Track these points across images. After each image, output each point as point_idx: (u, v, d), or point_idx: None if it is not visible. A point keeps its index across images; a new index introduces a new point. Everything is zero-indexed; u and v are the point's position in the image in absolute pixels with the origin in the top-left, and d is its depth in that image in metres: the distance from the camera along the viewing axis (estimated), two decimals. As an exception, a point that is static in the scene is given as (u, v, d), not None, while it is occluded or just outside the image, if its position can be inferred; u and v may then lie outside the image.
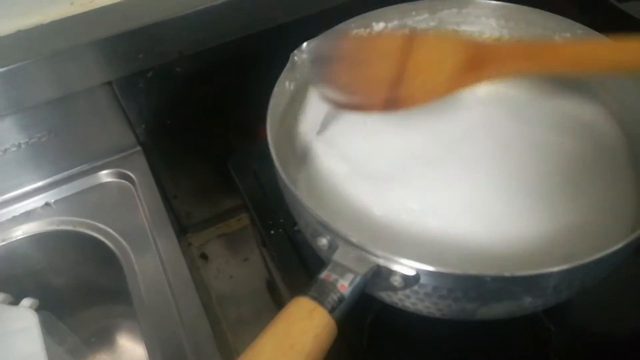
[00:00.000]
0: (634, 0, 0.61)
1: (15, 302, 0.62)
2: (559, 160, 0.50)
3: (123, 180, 0.69)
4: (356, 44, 0.51)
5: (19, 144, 0.63)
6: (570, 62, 0.45)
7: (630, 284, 0.52)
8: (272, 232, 0.61)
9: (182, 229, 0.85)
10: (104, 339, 0.76)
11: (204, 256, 0.85)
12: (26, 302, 0.63)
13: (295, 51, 0.53)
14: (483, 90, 0.56)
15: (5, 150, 0.63)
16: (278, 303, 0.73)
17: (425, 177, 0.50)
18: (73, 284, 0.72)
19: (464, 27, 0.59)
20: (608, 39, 0.48)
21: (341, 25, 0.55)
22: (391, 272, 0.39)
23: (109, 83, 0.62)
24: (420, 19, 0.58)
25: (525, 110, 0.55)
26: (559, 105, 0.55)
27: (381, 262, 0.39)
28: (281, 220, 0.61)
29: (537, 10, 0.56)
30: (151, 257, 0.62)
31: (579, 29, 0.53)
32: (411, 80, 0.47)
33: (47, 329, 0.61)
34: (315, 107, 0.56)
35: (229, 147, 0.73)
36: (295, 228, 0.59)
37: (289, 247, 0.60)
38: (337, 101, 0.50)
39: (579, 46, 0.46)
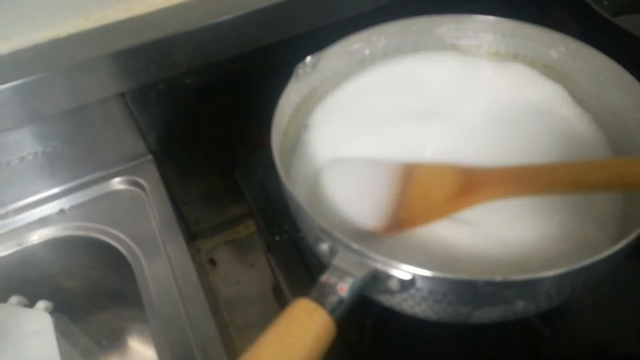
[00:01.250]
0: (627, 14, 0.62)
1: (30, 304, 0.64)
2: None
3: (134, 188, 0.71)
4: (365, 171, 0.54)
5: (36, 153, 0.65)
6: (560, 185, 0.47)
7: (623, 289, 0.53)
8: (277, 238, 0.62)
9: (191, 236, 0.86)
10: (115, 341, 0.77)
11: (212, 262, 0.87)
12: (41, 304, 0.64)
13: (300, 64, 0.55)
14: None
15: (23, 158, 0.65)
16: (283, 307, 0.73)
17: None
18: (86, 288, 0.73)
19: (462, 42, 0.60)
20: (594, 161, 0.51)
21: (342, 41, 0.57)
22: (388, 276, 0.40)
23: (122, 94, 0.64)
24: (420, 34, 0.60)
25: (514, 116, 0.56)
26: (548, 112, 0.56)
27: (379, 266, 0.40)
28: (286, 227, 0.63)
29: (532, 26, 0.57)
30: (161, 262, 0.63)
31: (573, 43, 0.55)
32: (411, 205, 0.50)
33: (61, 331, 0.63)
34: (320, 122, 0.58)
35: (236, 156, 0.74)
36: (300, 234, 0.61)
37: (293, 252, 0.61)
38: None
39: (566, 169, 0.48)
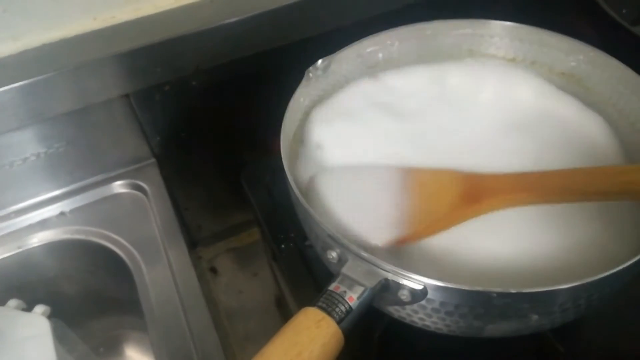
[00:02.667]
0: (646, 24, 0.61)
1: (28, 308, 0.63)
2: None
3: (136, 192, 0.70)
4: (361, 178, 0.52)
5: (38, 154, 0.65)
6: (569, 192, 0.46)
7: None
8: (283, 246, 0.61)
9: (193, 242, 0.85)
10: (113, 349, 0.76)
11: (213, 270, 0.85)
12: (39, 309, 0.63)
13: (311, 68, 0.54)
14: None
15: (25, 159, 0.64)
16: (286, 320, 0.72)
17: None
18: (84, 293, 0.72)
19: (479, 47, 0.59)
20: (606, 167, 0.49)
21: (355, 44, 0.56)
22: (399, 286, 0.39)
23: (127, 96, 0.64)
24: (435, 39, 0.59)
25: (529, 125, 0.55)
26: (565, 122, 0.55)
27: (389, 276, 0.39)
28: (292, 235, 0.61)
29: (550, 32, 0.56)
30: (162, 269, 0.62)
31: (591, 51, 0.54)
32: (413, 216, 0.48)
33: (59, 337, 0.62)
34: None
35: (242, 160, 0.73)
36: (306, 243, 0.60)
37: (299, 262, 0.60)
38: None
39: (575, 175, 0.46)
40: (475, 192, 0.47)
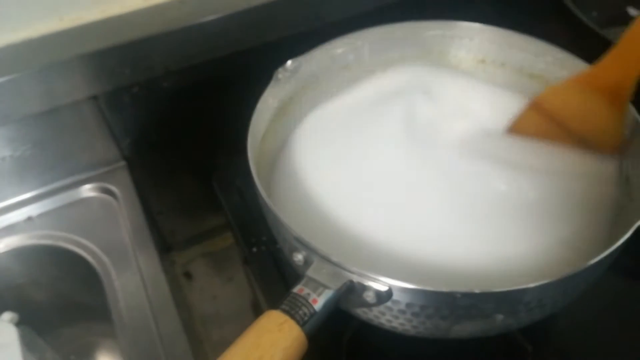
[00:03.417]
0: (615, 26, 0.61)
1: (-5, 316, 0.62)
2: (538, 181, 0.50)
3: (106, 195, 0.68)
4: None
5: (4, 157, 0.63)
6: None
7: (608, 304, 0.52)
8: (254, 249, 0.61)
9: (166, 247, 0.84)
10: (83, 356, 0.74)
11: (187, 275, 0.84)
12: (6, 316, 0.62)
13: (280, 68, 0.54)
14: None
15: (-9, 162, 0.63)
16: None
17: (401, 196, 0.50)
18: (53, 300, 0.71)
19: (449, 49, 0.60)
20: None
21: (325, 45, 0.56)
22: (364, 288, 0.39)
23: (95, 97, 0.62)
24: (405, 40, 0.59)
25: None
26: None
27: (354, 277, 0.39)
28: (264, 238, 0.61)
29: (519, 34, 0.57)
30: (132, 274, 0.61)
31: (559, 53, 0.55)
32: (592, 137, 0.50)
33: (27, 345, 0.60)
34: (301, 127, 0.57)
35: (214, 163, 0.72)
36: (278, 246, 0.59)
37: (271, 265, 0.60)
38: None
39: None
40: (610, 90, 0.48)
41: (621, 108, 0.49)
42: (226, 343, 0.75)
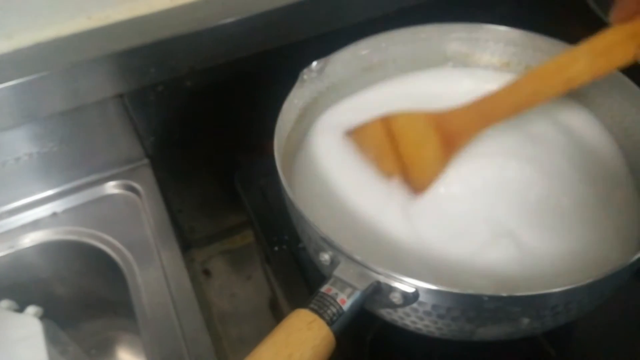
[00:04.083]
0: None
1: (20, 309, 0.63)
2: (567, 185, 0.50)
3: (129, 193, 0.69)
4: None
5: (31, 154, 0.64)
6: (521, 105, 0.51)
7: (632, 309, 0.52)
8: (276, 248, 0.61)
9: (186, 245, 0.85)
10: (104, 351, 0.76)
11: (206, 272, 0.85)
12: (31, 309, 0.63)
13: (305, 70, 0.54)
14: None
15: (18, 159, 0.64)
16: (280, 322, 0.72)
17: (430, 198, 0.50)
18: (76, 295, 0.71)
19: (473, 51, 0.60)
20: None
21: (350, 46, 0.56)
22: (391, 289, 0.39)
23: (121, 96, 0.63)
24: (430, 43, 0.59)
25: (538, 135, 0.55)
26: (569, 131, 0.55)
27: (381, 278, 0.39)
28: (286, 237, 0.61)
29: (544, 37, 0.56)
30: (155, 271, 0.62)
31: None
32: (412, 167, 0.52)
33: (50, 338, 0.62)
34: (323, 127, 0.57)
35: (236, 162, 0.73)
36: (300, 245, 0.60)
37: (292, 264, 0.60)
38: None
39: (521, 88, 0.51)
40: (448, 133, 0.51)
41: (449, 155, 0.51)
42: (244, 341, 0.77)
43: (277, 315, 0.77)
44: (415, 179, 0.51)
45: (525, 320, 0.39)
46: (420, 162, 0.52)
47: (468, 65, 0.61)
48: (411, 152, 0.52)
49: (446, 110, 0.52)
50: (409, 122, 0.53)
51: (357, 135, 0.55)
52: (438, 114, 0.52)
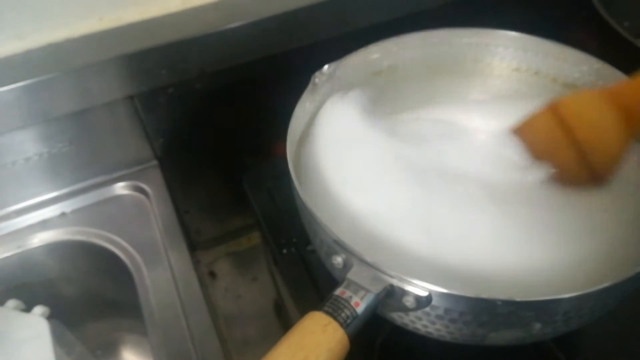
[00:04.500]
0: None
1: (27, 309, 0.62)
2: (575, 192, 0.51)
3: (138, 194, 0.69)
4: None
5: (41, 154, 0.64)
6: None
7: (640, 314, 0.52)
8: (284, 251, 0.61)
9: (191, 246, 0.84)
10: (110, 352, 0.75)
11: (212, 274, 0.85)
12: (38, 309, 0.62)
13: (317, 73, 0.54)
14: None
15: (28, 158, 0.64)
16: (285, 325, 0.72)
17: (444, 205, 0.50)
18: (83, 295, 0.71)
19: (483, 56, 0.60)
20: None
21: (361, 50, 0.57)
22: (404, 293, 0.39)
23: (131, 97, 0.63)
24: (441, 47, 0.60)
25: None
26: None
27: (395, 282, 0.39)
28: (294, 240, 0.61)
29: (555, 43, 0.57)
30: (163, 271, 0.62)
31: (596, 63, 0.54)
32: (594, 153, 0.48)
33: (57, 338, 0.61)
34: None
35: (244, 165, 0.73)
36: (308, 248, 0.60)
37: (300, 267, 0.60)
38: None
39: None
40: (627, 110, 0.47)
41: (633, 131, 0.48)
42: (249, 343, 0.77)
43: (282, 317, 0.77)
44: (599, 165, 0.48)
45: (537, 325, 0.40)
46: (603, 145, 0.49)
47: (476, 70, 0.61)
48: (591, 136, 0.49)
49: (616, 84, 0.49)
50: (582, 103, 0.50)
51: (524, 131, 0.53)
52: (609, 89, 0.49)
